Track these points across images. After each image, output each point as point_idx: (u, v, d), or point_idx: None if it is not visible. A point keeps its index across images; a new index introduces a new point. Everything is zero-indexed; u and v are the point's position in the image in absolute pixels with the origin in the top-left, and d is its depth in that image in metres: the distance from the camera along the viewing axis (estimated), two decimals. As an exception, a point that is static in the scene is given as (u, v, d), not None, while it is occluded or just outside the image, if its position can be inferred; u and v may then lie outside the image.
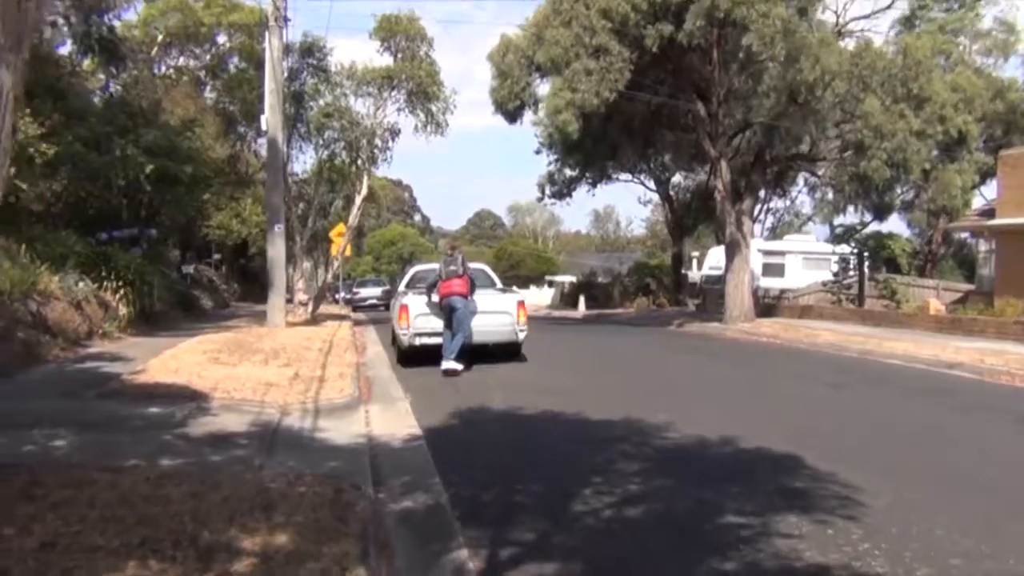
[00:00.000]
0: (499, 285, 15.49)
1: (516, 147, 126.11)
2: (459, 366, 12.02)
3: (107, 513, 4.43)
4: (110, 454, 6.12)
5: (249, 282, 36.92)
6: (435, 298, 12.85)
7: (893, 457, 6.61)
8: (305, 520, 4.56)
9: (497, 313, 13.36)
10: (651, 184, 43.48)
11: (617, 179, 41.77)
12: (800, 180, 30.02)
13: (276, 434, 7.36)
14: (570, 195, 42.23)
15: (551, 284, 60.79)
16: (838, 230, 26.89)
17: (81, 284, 13.18)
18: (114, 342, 13.21)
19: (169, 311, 18.10)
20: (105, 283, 14.63)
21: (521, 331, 13.39)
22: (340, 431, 7.69)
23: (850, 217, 27.22)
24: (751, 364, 13.63)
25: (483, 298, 13.22)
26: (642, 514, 5.03)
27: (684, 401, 9.32)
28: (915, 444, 7.23)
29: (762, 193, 27.35)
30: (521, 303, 13.77)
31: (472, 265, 14.08)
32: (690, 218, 31.21)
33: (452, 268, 12.74)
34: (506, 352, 13.37)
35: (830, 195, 26.22)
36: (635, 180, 42.94)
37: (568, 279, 57.43)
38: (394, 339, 14.20)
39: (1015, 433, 7.83)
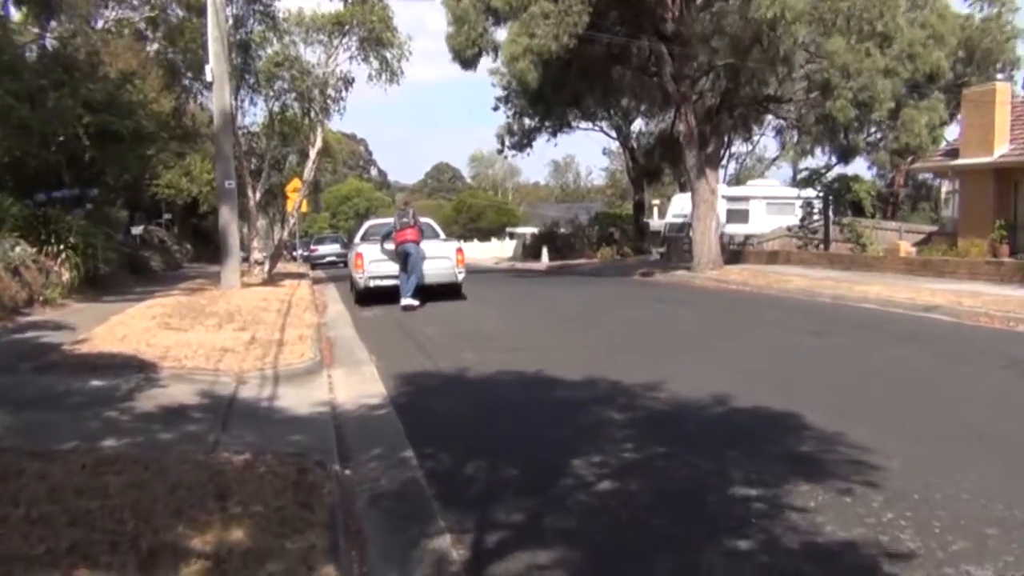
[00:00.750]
0: (442, 236, 17.59)
1: (474, 99, 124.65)
2: (415, 302, 14.31)
3: (33, 512, 3.85)
4: (44, 437, 5.51)
5: (202, 242, 35.80)
6: (389, 246, 15.07)
7: (895, 411, 6.23)
8: (265, 510, 4.03)
9: (440, 259, 15.60)
10: (612, 133, 43.05)
11: (577, 128, 41.23)
12: (765, 123, 29.56)
13: (232, 406, 6.79)
14: (530, 146, 41.62)
15: (512, 236, 60.24)
16: (803, 174, 26.57)
17: (18, 249, 12.35)
18: (57, 309, 12.44)
19: (117, 274, 17.23)
20: (45, 247, 13.79)
21: (460, 273, 15.78)
22: (302, 399, 7.14)
23: (816, 160, 26.94)
24: (726, 312, 13.27)
25: (428, 246, 15.36)
26: (639, 487, 4.56)
27: (665, 356, 8.88)
28: (914, 395, 6.86)
29: (727, 138, 26.87)
30: (460, 250, 16.30)
31: (421, 219, 16.14)
32: (653, 165, 30.70)
33: (405, 220, 15.03)
34: (451, 292, 15.56)
35: (795, 138, 25.84)
36: (596, 128, 42.38)
37: (530, 231, 56.85)
38: (352, 285, 16.40)
39: (1015, 378, 7.51)
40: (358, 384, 7.92)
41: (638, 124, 40.90)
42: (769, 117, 27.26)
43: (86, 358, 8.19)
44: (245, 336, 9.85)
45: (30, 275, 12.61)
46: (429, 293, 14.92)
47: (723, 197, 29.29)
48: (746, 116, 23.96)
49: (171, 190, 30.54)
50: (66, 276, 13.92)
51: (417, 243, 14.78)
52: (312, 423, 6.32)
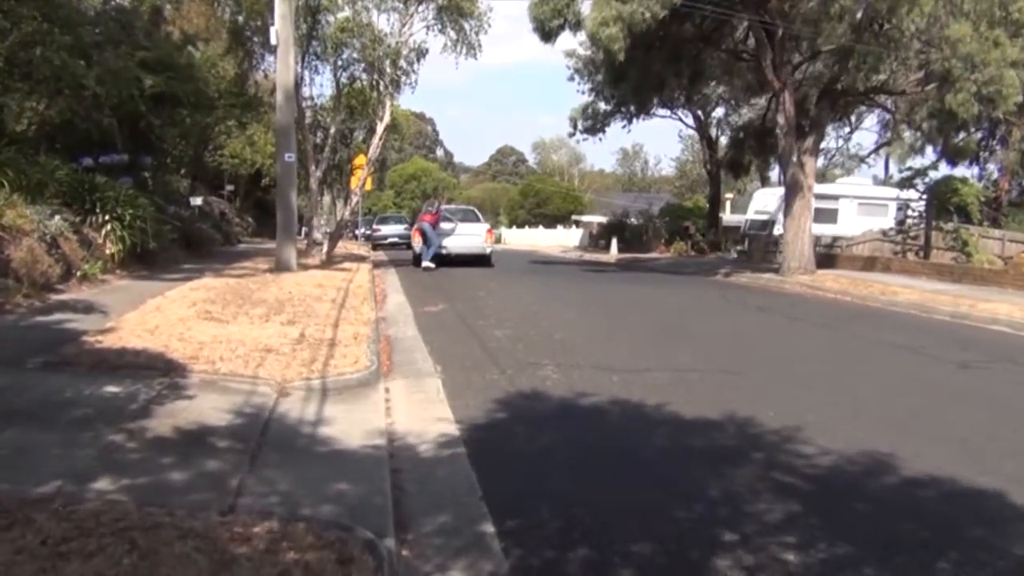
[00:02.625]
0: (481, 220, 24.53)
1: (540, 85, 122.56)
2: (432, 265, 21.05)
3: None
4: (22, 470, 4.28)
5: (265, 216, 34.99)
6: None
7: None
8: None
9: (473, 236, 22.76)
10: (689, 121, 41.11)
11: (655, 114, 39.42)
12: (869, 117, 27.44)
13: (266, 432, 5.49)
14: (603, 130, 39.88)
15: (578, 224, 58.67)
16: (905, 173, 24.49)
17: (56, 218, 11.28)
18: (94, 286, 11.37)
19: (168, 249, 16.23)
20: (89, 217, 12.77)
21: (488, 247, 23.02)
22: (352, 425, 5.82)
23: (920, 160, 24.82)
24: (837, 329, 11.60)
25: (464, 227, 22.83)
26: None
27: (786, 389, 7.34)
28: None
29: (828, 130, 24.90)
30: (489, 230, 23.95)
31: (463, 207, 26.06)
32: (741, 157, 28.83)
33: (428, 208, 22.73)
34: (483, 262, 22.48)
35: (903, 133, 23.75)
36: (674, 116, 40.52)
37: (596, 219, 55.27)
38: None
39: None
40: (421, 405, 6.56)
41: (718, 113, 39.03)
42: (876, 110, 25.17)
43: (106, 354, 6.98)
44: (293, 332, 8.60)
45: (69, 247, 11.56)
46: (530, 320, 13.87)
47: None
48: (848, 108, 22.00)
49: (235, 160, 29.70)
50: (110, 250, 12.89)
51: (433, 225, 21.74)
52: (363, 464, 4.99)
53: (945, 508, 4.35)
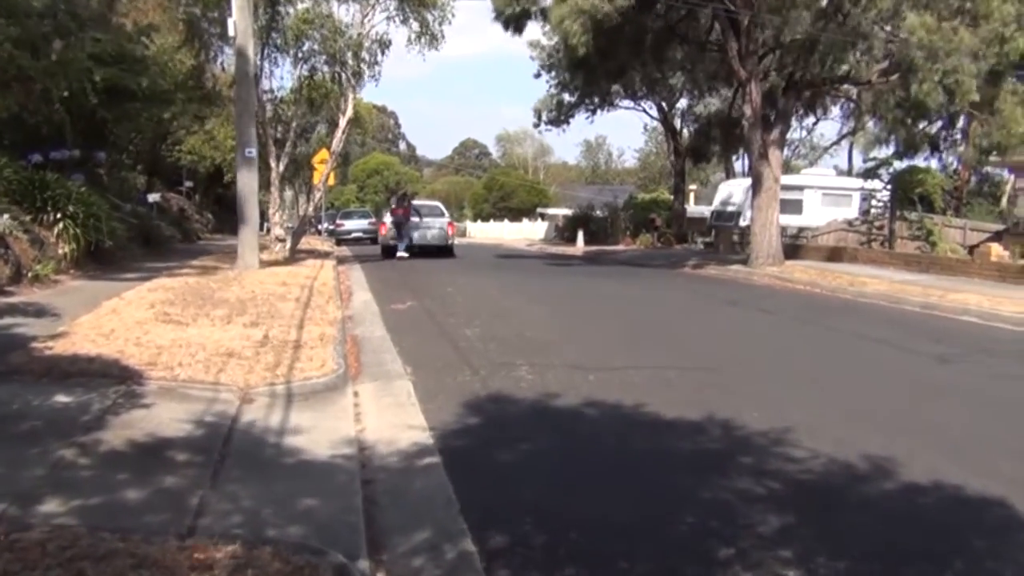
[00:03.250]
0: (445, 215, 26.78)
1: (502, 77, 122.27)
2: (406, 255, 23.34)
3: None
4: (-40, 496, 3.96)
5: (225, 212, 34.28)
6: (388, 218, 25.03)
7: None
8: None
9: (437, 229, 25.13)
10: (653, 112, 41.07)
11: (619, 106, 39.37)
12: (830, 108, 27.44)
13: (229, 442, 5.20)
14: (567, 122, 39.86)
15: (543, 217, 58.50)
16: (869, 163, 24.59)
17: (4, 217, 10.82)
18: (47, 288, 10.92)
19: (125, 247, 15.72)
20: (41, 215, 12.29)
21: (451, 240, 25.82)
22: (321, 433, 5.55)
23: (881, 151, 24.91)
24: (811, 323, 11.48)
25: (429, 220, 25.18)
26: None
27: (766, 385, 7.17)
28: None
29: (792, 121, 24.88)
30: (451, 224, 26.67)
31: (431, 202, 30.20)
32: (707, 148, 28.77)
33: (401, 203, 24.52)
34: (446, 253, 25.06)
35: (870, 124, 23.81)
36: (638, 107, 40.49)
37: (561, 212, 55.12)
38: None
39: None
40: (392, 410, 6.29)
41: (682, 104, 39.04)
42: (837, 100, 25.20)
43: (57, 361, 6.61)
44: (257, 334, 8.27)
45: (19, 247, 11.11)
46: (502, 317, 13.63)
47: (776, 186, 27.42)
48: (814, 98, 22.00)
49: (193, 156, 29.03)
50: (63, 249, 12.42)
51: (406, 218, 24.03)
52: (333, 477, 4.72)
53: (947, 515, 4.18)
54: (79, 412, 5.45)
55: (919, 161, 25.61)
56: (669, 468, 4.87)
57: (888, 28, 16.94)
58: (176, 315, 9.00)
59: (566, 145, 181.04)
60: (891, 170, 22.98)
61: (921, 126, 19.45)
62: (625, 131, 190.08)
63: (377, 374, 7.53)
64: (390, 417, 6.13)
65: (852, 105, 24.45)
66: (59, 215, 12.35)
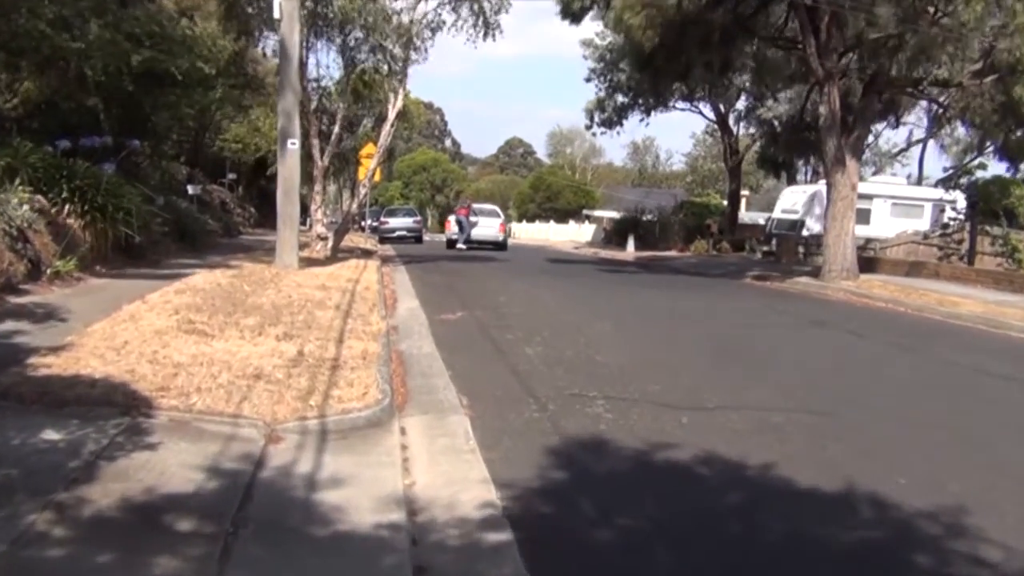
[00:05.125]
0: (500, 217, 33.68)
1: (548, 76, 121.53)
2: (464, 247, 29.17)
3: None
4: None
5: (268, 206, 33.43)
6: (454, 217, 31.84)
7: None
8: None
9: (491, 227, 31.39)
10: (709, 113, 39.60)
11: (673, 107, 38.01)
12: (913, 112, 25.89)
13: (248, 502, 4.11)
14: (620, 124, 38.56)
15: (589, 219, 57.27)
16: (950, 172, 23.01)
17: (24, 207, 9.89)
18: (67, 286, 10.00)
19: (159, 242, 14.87)
20: (67, 206, 11.39)
21: (502, 236, 32.05)
22: (361, 487, 4.46)
23: (966, 158, 23.30)
24: (918, 351, 10.10)
25: (485, 219, 31.59)
26: None
27: (905, 440, 5.86)
28: None
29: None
30: (503, 224, 33.24)
31: (488, 206, 35.85)
32: (779, 152, 27.29)
33: (462, 204, 32.19)
34: (495, 247, 30.78)
35: (960, 130, 22.25)
36: (694, 108, 39.10)
37: (607, 214, 53.88)
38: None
39: None
40: (448, 457, 5.17)
41: (739, 106, 37.58)
42: (914, 104, 23.64)
43: (54, 383, 5.57)
44: (290, 350, 7.21)
45: (40, 241, 10.20)
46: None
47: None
48: (893, 101, 20.51)
49: (237, 146, 28.23)
50: (89, 243, 11.52)
51: (467, 216, 30.77)
52: (377, 558, 3.63)
53: None
54: (67, 455, 4.41)
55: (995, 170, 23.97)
56: (824, 567, 3.68)
57: (988, 25, 15.42)
58: (201, 324, 7.97)
59: (613, 147, 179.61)
60: (973, 179, 21.36)
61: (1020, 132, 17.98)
62: (673, 133, 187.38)
63: (427, 404, 6.42)
64: (446, 466, 5.01)
65: (935, 109, 22.86)
66: (86, 206, 11.44)
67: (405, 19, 17.03)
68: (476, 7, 16.80)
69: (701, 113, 39.48)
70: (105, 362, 6.20)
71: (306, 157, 17.22)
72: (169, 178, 23.73)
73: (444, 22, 17.46)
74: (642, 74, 21.94)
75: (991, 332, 12.06)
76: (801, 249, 26.07)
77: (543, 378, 7.28)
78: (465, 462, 5.07)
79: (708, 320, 12.53)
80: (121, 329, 7.41)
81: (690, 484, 4.76)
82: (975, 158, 25.83)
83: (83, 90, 12.94)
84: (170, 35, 13.57)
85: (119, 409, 5.21)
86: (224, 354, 6.83)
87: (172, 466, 4.44)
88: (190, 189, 22.41)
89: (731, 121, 38.54)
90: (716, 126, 40.72)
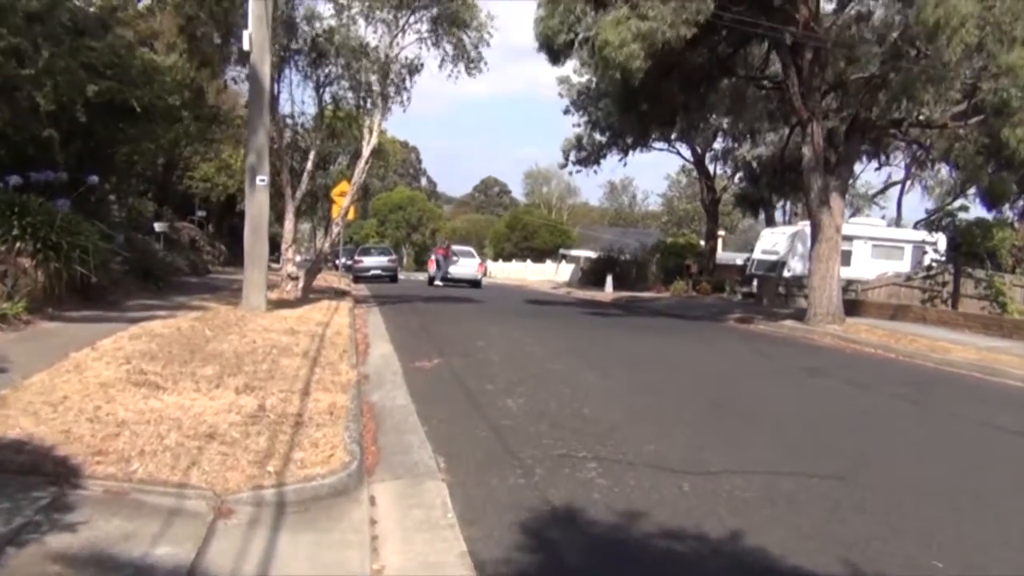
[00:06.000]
0: (476, 257, 37.35)
1: (521, 117, 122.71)
2: (441, 283, 32.36)
3: None
4: None
5: (238, 244, 32.60)
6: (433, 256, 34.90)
7: None
8: None
9: (468, 266, 34.75)
10: (687, 153, 39.50)
11: (652, 147, 37.88)
12: (896, 152, 25.71)
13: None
14: (598, 163, 38.37)
15: (566, 258, 56.92)
16: (935, 214, 22.80)
17: (-33, 246, 9.21)
18: (12, 330, 9.29)
19: (121, 282, 14.16)
20: (18, 244, 10.69)
21: (479, 275, 35.69)
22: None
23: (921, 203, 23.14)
24: (922, 403, 9.51)
25: (464, 259, 35.08)
26: None
27: (930, 510, 5.28)
28: None
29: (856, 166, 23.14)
30: (481, 264, 38.03)
31: (465, 247, 38.74)
32: (760, 193, 27.02)
33: (440, 244, 36.70)
34: (471, 284, 33.94)
35: (943, 171, 22.05)
36: (671, 149, 39.01)
37: (584, 254, 53.58)
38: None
39: None
40: (423, 534, 4.54)
41: (718, 146, 37.55)
42: (903, 143, 23.45)
43: (-25, 446, 4.91)
44: (250, 403, 6.56)
45: (-15, 282, 9.50)
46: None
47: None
48: (877, 142, 20.29)
49: (206, 184, 27.54)
50: (41, 284, 10.81)
51: (445, 255, 34.05)
52: None
53: None
54: (-27, 539, 3.74)
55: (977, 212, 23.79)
56: None
57: (975, 65, 15.21)
58: (154, 374, 7.30)
59: (589, 186, 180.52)
60: (956, 221, 21.14)
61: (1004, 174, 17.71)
62: (649, 173, 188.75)
63: (401, 467, 5.79)
64: (421, 546, 4.38)
65: (917, 150, 22.69)
66: (39, 244, 10.75)
67: (382, 55, 16.55)
68: (455, 40, 16.39)
69: (679, 153, 39.42)
70: (38, 420, 5.53)
71: (277, 194, 16.64)
72: (137, 215, 23.03)
73: (423, 64, 17.06)
74: (626, 116, 21.52)
75: (988, 380, 11.61)
76: (782, 290, 25.72)
77: (527, 435, 6.66)
78: (443, 540, 4.44)
79: (697, 367, 11.98)
80: (62, 381, 6.73)
81: (696, 571, 4.15)
82: (954, 200, 25.69)
83: (36, 121, 12.28)
84: (129, 65, 12.94)
85: (46, 479, 4.55)
86: (175, 410, 6.17)
87: (100, 552, 3.80)
88: (157, 226, 21.70)
89: (708, 161, 38.47)
90: (693, 166, 40.66)
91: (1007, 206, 21.80)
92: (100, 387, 6.61)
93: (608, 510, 4.89)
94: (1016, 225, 23.57)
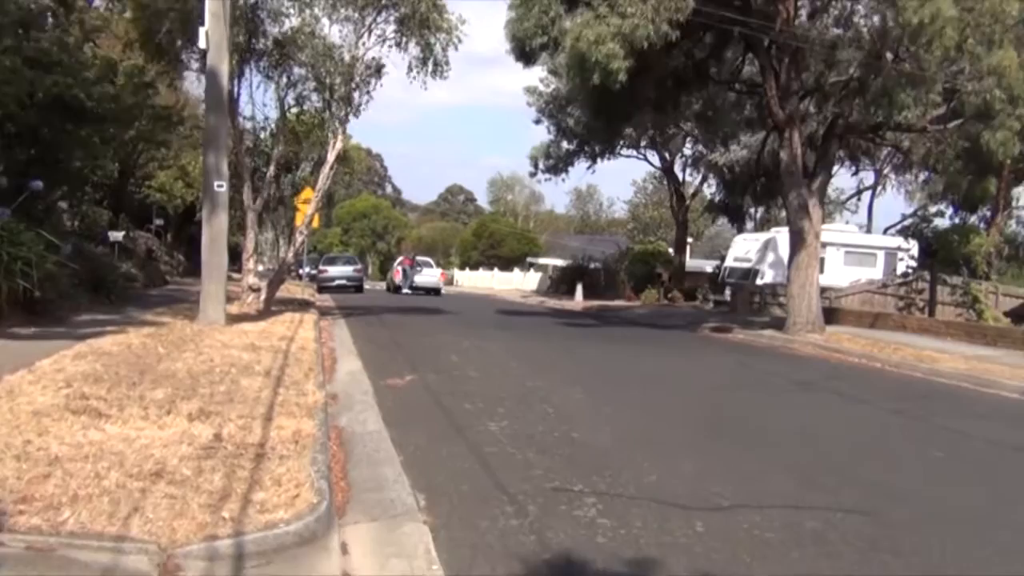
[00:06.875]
0: (434, 266, 40.43)
1: (486, 124, 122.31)
2: (409, 291, 35.48)
3: None
4: None
5: (198, 254, 31.74)
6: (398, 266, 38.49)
7: None
8: None
9: (430, 276, 37.77)
10: (655, 160, 39.16)
11: (620, 154, 37.48)
12: (875, 157, 25.43)
13: None
14: (566, 170, 37.89)
15: (533, 267, 56.40)
16: (909, 219, 22.54)
17: None
18: (-58, 350, 8.47)
19: (69, 294, 13.30)
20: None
21: (440, 284, 38.60)
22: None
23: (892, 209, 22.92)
24: (922, 418, 8.99)
25: (427, 269, 38.52)
26: None
27: (975, 549, 4.71)
28: None
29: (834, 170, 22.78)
30: (443, 273, 43.34)
31: (426, 258, 42.15)
32: (734, 199, 26.59)
33: (405, 255, 40.71)
34: (434, 292, 36.45)
35: (919, 176, 21.80)
36: (640, 155, 38.67)
37: (552, 262, 53.10)
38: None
39: None
40: (404, 595, 3.88)
41: (687, 152, 37.29)
42: (878, 149, 23.20)
43: None
44: (205, 432, 5.86)
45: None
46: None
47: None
48: (855, 146, 19.96)
49: (163, 194, 26.56)
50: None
51: (411, 265, 37.20)
52: None
53: None
54: None
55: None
56: None
57: (955, 68, 14.87)
58: (97, 399, 6.55)
59: (555, 193, 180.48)
60: (930, 227, 20.90)
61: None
62: (615, 181, 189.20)
63: (375, 505, 5.11)
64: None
65: (894, 155, 22.43)
66: (-26, 257, 9.93)
67: (347, 56, 15.85)
68: (423, 43, 15.73)
69: (647, 159, 39.07)
70: (-45, 460, 4.78)
71: (237, 202, 15.86)
72: (91, 224, 22.05)
73: (384, 65, 16.34)
74: (596, 120, 20.97)
75: (983, 392, 11.18)
76: (757, 299, 25.35)
77: (515, 465, 6.03)
78: (428, 602, 3.79)
79: (683, 382, 11.41)
80: (-10, 410, 5.97)
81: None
82: (924, 206, 25.49)
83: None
84: (80, 60, 12.09)
85: (-43, 535, 3.83)
86: (119, 442, 5.46)
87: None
88: (111, 236, 20.76)
89: (677, 168, 38.17)
90: (662, 173, 40.36)
91: (978, 211, 21.57)
92: (33, 416, 5.86)
93: (616, 558, 4.27)
94: (984, 230, 23.44)
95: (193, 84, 17.01)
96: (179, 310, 14.66)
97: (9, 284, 10.28)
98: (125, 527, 4.07)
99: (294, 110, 17.05)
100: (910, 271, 21.66)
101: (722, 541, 4.54)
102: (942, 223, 21.50)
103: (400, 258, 41.97)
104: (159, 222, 29.22)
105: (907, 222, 22.13)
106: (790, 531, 4.75)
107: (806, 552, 4.43)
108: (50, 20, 12.82)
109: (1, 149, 11.65)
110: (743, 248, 27.93)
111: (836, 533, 4.76)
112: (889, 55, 15.84)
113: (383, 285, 45.08)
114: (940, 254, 21.14)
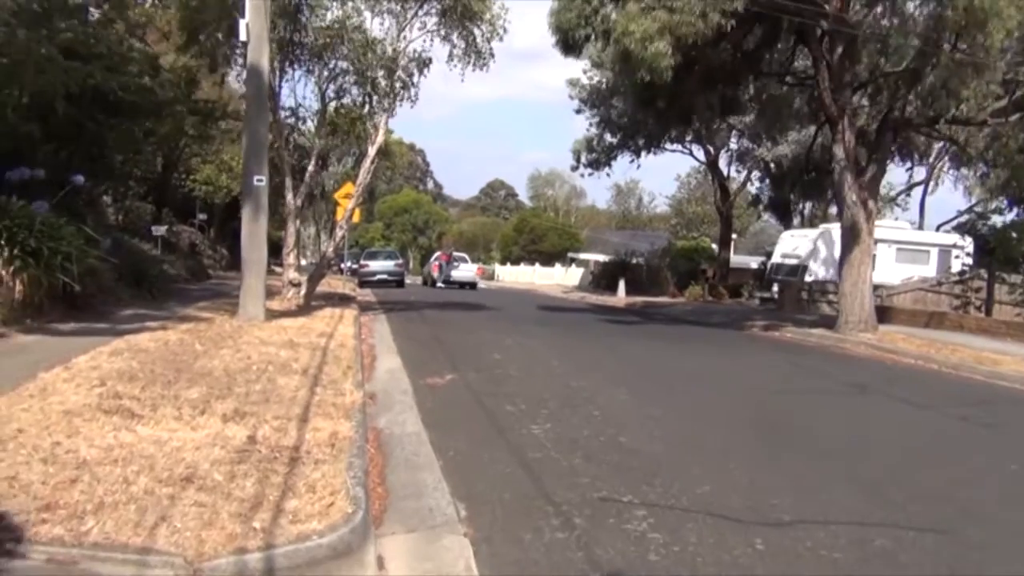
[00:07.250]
0: (469, 262, 41.35)
1: (525, 120, 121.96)
2: (443, 285, 37.46)
3: None
4: None
5: (241, 247, 31.93)
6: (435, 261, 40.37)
7: None
8: None
9: (467, 271, 39.52)
10: (700, 155, 38.56)
11: (664, 148, 36.93)
12: (930, 150, 24.66)
13: None
14: (609, 164, 37.38)
15: (574, 262, 56.01)
16: (964, 216, 21.81)
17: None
18: (-20, 346, 8.40)
19: (110, 289, 13.27)
20: (-3, 251, 9.82)
21: (477, 279, 40.22)
22: None
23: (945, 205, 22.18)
24: (991, 425, 8.54)
25: (464, 265, 39.98)
26: None
27: None
28: None
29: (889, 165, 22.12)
30: (480, 268, 46.57)
31: (460, 254, 42.24)
32: (786, 194, 25.96)
33: (443, 250, 42.37)
34: (470, 286, 37.87)
35: (978, 171, 21.06)
36: (684, 150, 38.09)
37: (594, 257, 52.69)
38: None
39: None
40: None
41: (732, 146, 36.62)
42: (931, 143, 22.47)
43: None
44: (239, 434, 5.66)
45: (-47, 292, 8.61)
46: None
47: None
48: (910, 139, 19.32)
49: (208, 187, 26.64)
50: (20, 292, 9.92)
51: (448, 261, 39.22)
52: None
53: None
54: None
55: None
56: None
57: (1018, 59, 14.24)
58: (131, 399, 6.39)
59: (596, 189, 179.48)
60: (990, 224, 20.18)
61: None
62: (656, 175, 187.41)
63: (414, 515, 4.86)
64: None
65: (951, 148, 21.70)
66: (16, 250, 9.87)
67: (389, 49, 15.65)
68: (466, 34, 15.48)
69: (692, 154, 38.48)
70: (-17, 462, 4.62)
71: (278, 196, 15.75)
72: (135, 218, 22.18)
73: (430, 59, 16.11)
74: (644, 112, 20.49)
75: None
76: (805, 296, 24.74)
77: (560, 471, 5.74)
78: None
79: (732, 383, 10.99)
80: (21, 409, 5.82)
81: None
82: (984, 200, 24.64)
83: (20, 116, 11.39)
84: (120, 53, 12.00)
85: (-26, 544, 3.64)
86: (150, 444, 5.27)
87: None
88: (155, 230, 20.84)
89: (722, 162, 37.53)
90: (706, 167, 39.73)
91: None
92: (64, 415, 5.70)
93: (673, 577, 3.96)
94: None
95: (235, 79, 16.90)
96: (220, 305, 14.58)
97: (49, 279, 10.20)
98: (151, 538, 3.86)
99: (334, 104, 16.85)
100: (966, 269, 20.94)
101: (784, 561, 4.21)
102: (1000, 220, 20.74)
103: (437, 253, 43.70)
104: (202, 216, 29.38)
105: (962, 219, 21.41)
106: (859, 551, 4.40)
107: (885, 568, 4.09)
108: (95, 14, 12.73)
109: (40, 142, 11.60)
110: (791, 244, 27.31)
111: (908, 554, 4.40)
112: (947, 46, 15.26)
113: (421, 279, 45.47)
114: (998, 252, 20.41)
